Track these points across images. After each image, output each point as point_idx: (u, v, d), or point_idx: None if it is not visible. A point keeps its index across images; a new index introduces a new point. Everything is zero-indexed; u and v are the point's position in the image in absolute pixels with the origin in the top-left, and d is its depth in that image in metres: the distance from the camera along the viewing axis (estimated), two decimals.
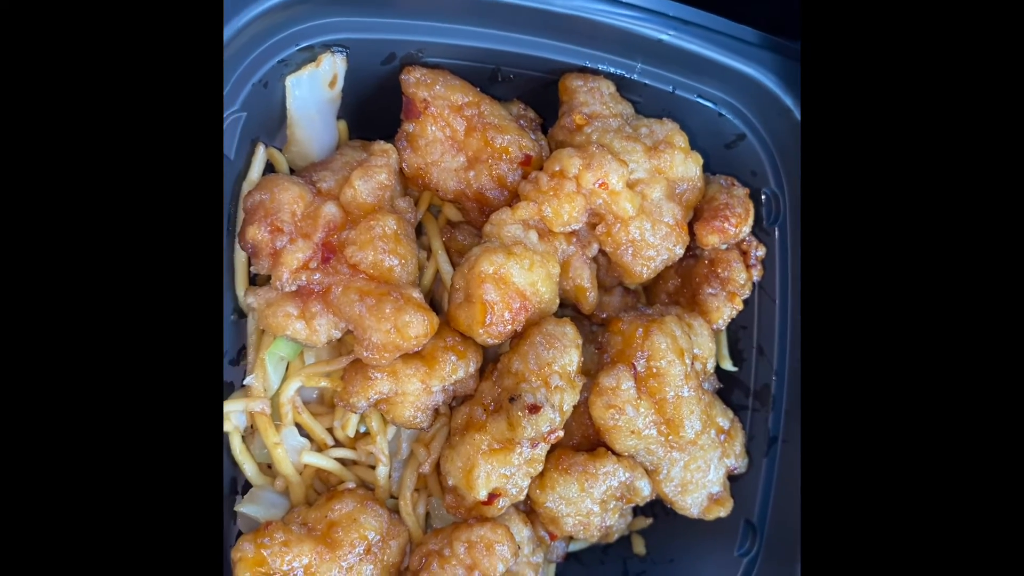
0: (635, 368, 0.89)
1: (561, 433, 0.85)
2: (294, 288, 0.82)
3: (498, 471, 0.84)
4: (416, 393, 0.84)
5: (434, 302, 0.97)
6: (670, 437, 0.92)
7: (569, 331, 0.88)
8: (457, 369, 0.85)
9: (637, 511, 1.13)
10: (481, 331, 0.83)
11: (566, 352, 0.86)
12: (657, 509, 1.14)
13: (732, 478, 1.04)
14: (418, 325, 0.79)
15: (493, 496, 0.87)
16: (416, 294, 0.82)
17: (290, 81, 0.89)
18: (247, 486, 0.92)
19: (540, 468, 0.89)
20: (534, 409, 0.81)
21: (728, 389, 1.09)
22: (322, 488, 0.94)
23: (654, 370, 0.90)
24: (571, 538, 1.04)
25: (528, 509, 0.97)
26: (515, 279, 0.83)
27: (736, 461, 1.01)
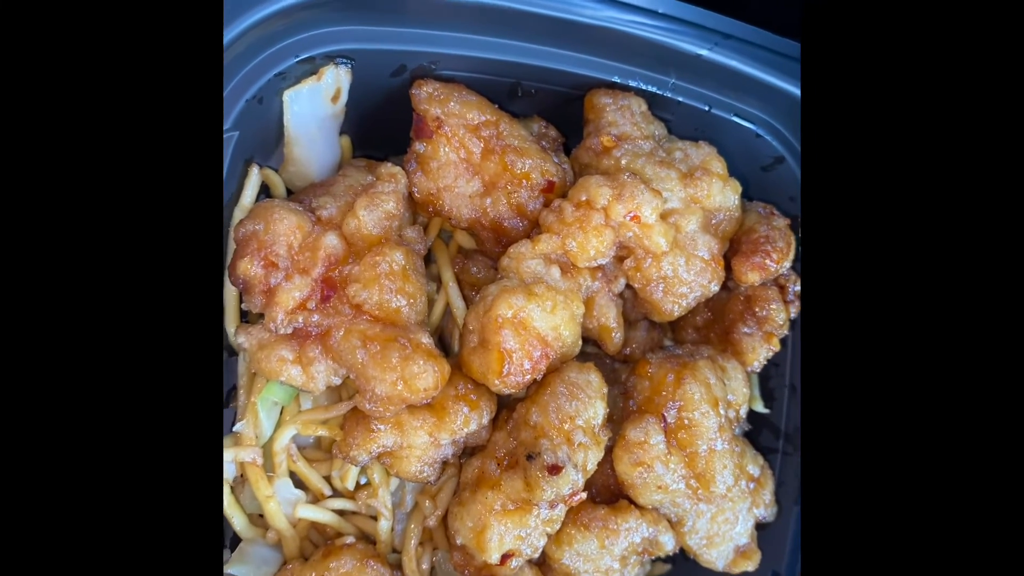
0: (665, 419, 0.82)
1: (584, 495, 0.77)
2: (290, 330, 0.73)
3: (512, 533, 0.77)
4: (423, 447, 0.76)
5: (443, 339, 0.89)
6: (699, 491, 0.85)
7: (594, 379, 0.80)
8: (470, 421, 0.77)
9: (656, 557, 1.06)
10: (497, 382, 0.75)
11: (590, 404, 0.78)
12: (676, 554, 1.07)
13: (760, 527, 0.97)
14: (428, 377, 0.70)
15: (506, 557, 0.79)
16: (426, 339, 0.74)
17: (288, 96, 0.80)
18: (236, 540, 0.84)
19: (558, 527, 0.81)
20: (555, 470, 0.73)
21: (756, 430, 1.02)
22: (318, 540, 0.86)
23: (686, 422, 0.82)
24: None
25: (541, 562, 0.89)
26: (536, 324, 0.75)
27: (765, 511, 0.95)
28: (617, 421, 0.86)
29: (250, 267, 0.73)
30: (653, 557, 0.92)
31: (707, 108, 0.92)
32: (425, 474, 0.78)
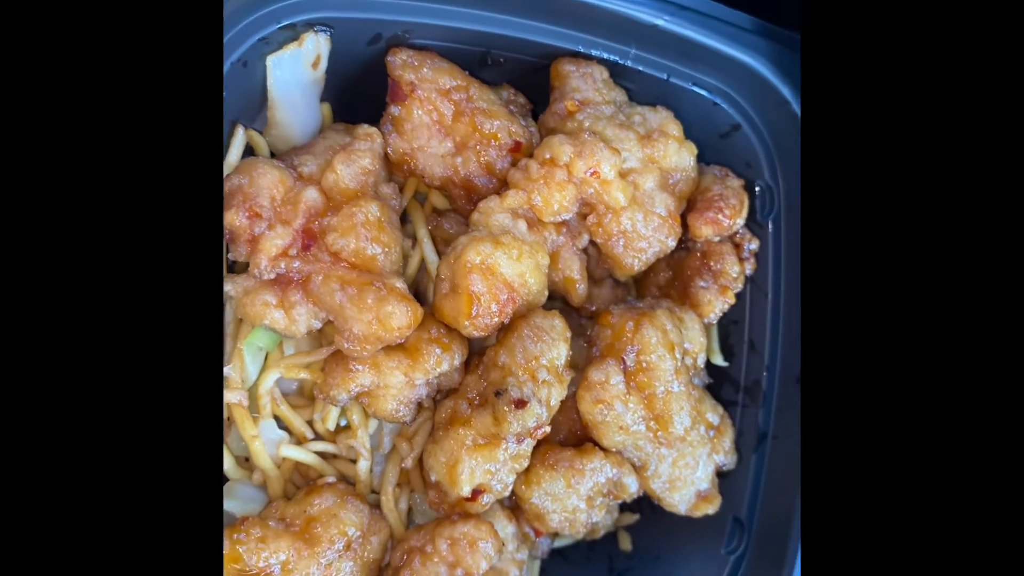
0: (624, 362, 0.87)
1: (548, 429, 0.82)
2: (273, 276, 0.79)
3: (483, 467, 0.82)
4: (399, 386, 0.81)
5: (419, 292, 0.94)
6: (659, 433, 0.90)
7: (558, 324, 0.85)
8: (441, 362, 0.83)
9: (623, 507, 1.11)
10: (467, 323, 0.81)
11: (554, 345, 0.83)
12: (643, 505, 1.12)
13: (721, 475, 1.03)
14: (401, 316, 0.76)
15: (477, 492, 0.85)
16: (399, 284, 0.79)
17: (271, 61, 0.85)
18: (223, 479, 0.89)
19: (526, 464, 0.86)
20: (520, 404, 0.79)
21: (718, 384, 1.07)
22: (301, 482, 0.91)
23: (644, 364, 0.87)
24: (556, 534, 1.02)
25: (513, 505, 0.95)
26: (503, 269, 0.81)
27: (725, 458, 1.00)
28: (581, 368, 0.92)
29: (236, 218, 0.78)
30: (619, 501, 0.97)
31: (666, 77, 0.98)
32: (401, 413, 0.83)
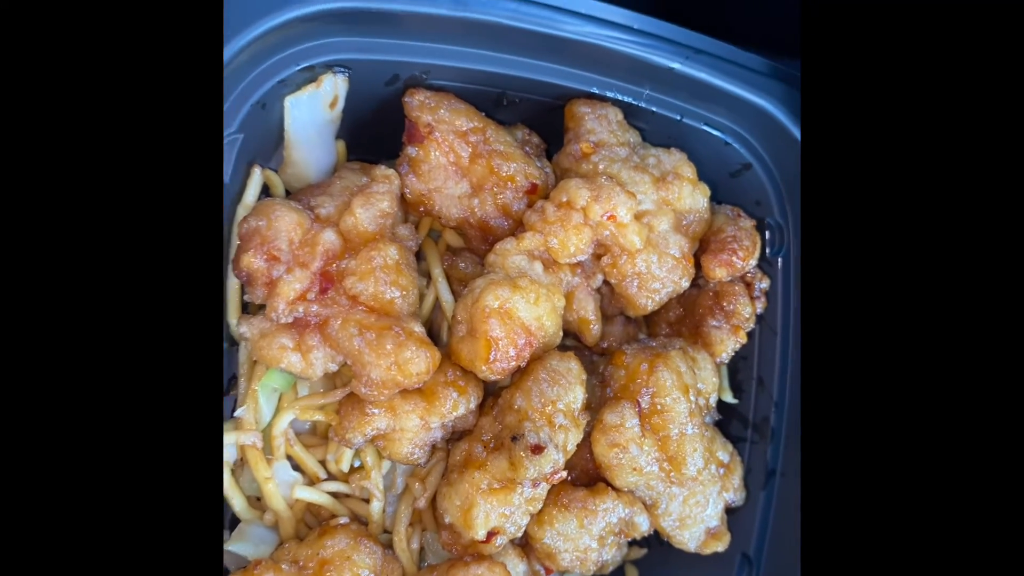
0: (639, 405, 0.87)
1: (564, 474, 0.83)
2: (290, 319, 0.79)
3: (498, 510, 0.82)
4: (414, 430, 0.81)
5: (432, 331, 0.94)
6: (671, 474, 0.91)
7: (574, 367, 0.85)
8: (458, 406, 0.83)
9: (632, 541, 1.11)
10: (484, 368, 0.81)
11: (570, 389, 0.83)
12: (652, 540, 1.12)
13: (729, 511, 1.03)
14: (420, 362, 0.76)
15: (491, 534, 0.84)
16: (418, 328, 0.79)
17: (289, 102, 0.85)
18: (235, 521, 0.88)
19: (540, 507, 0.86)
20: (537, 449, 0.79)
21: (727, 420, 1.08)
22: (313, 522, 0.91)
23: (659, 407, 0.88)
24: (566, 571, 1.02)
25: (524, 543, 0.95)
26: (520, 314, 0.81)
27: (735, 495, 1.00)
28: (595, 408, 0.92)
29: (253, 260, 0.78)
30: (629, 539, 0.97)
31: (679, 118, 0.99)
32: (416, 456, 0.83)
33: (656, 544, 1.12)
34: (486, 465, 0.82)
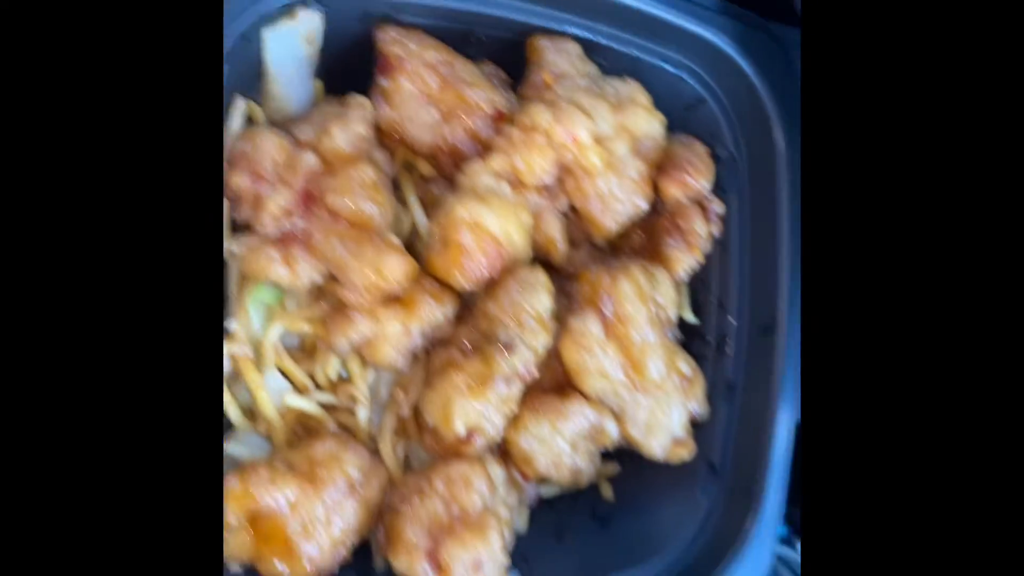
0: (603, 313, 0.95)
1: (536, 373, 0.89)
2: (276, 234, 0.85)
3: (475, 407, 0.88)
4: (396, 335, 0.88)
5: (412, 255, 1.01)
6: (636, 380, 0.98)
7: (542, 277, 0.92)
8: (435, 312, 0.89)
9: (605, 457, 1.18)
10: (458, 274, 0.87)
11: (539, 296, 0.90)
12: (624, 458, 1.19)
13: (695, 425, 1.10)
14: (398, 267, 0.83)
15: (471, 434, 0.91)
16: (395, 239, 0.86)
17: (268, 35, 0.91)
18: (230, 430, 0.94)
19: (515, 409, 0.93)
20: (509, 347, 0.86)
21: (689, 340, 1.15)
22: (303, 433, 0.96)
23: (620, 315, 0.95)
24: (543, 481, 1.09)
25: (503, 451, 1.01)
26: (489, 225, 0.88)
27: (698, 407, 1.07)
28: (563, 322, 0.99)
29: (241, 180, 0.84)
30: (600, 447, 1.04)
31: (635, 53, 1.06)
32: (398, 361, 0.90)
33: (628, 462, 1.19)
34: (463, 366, 0.89)
